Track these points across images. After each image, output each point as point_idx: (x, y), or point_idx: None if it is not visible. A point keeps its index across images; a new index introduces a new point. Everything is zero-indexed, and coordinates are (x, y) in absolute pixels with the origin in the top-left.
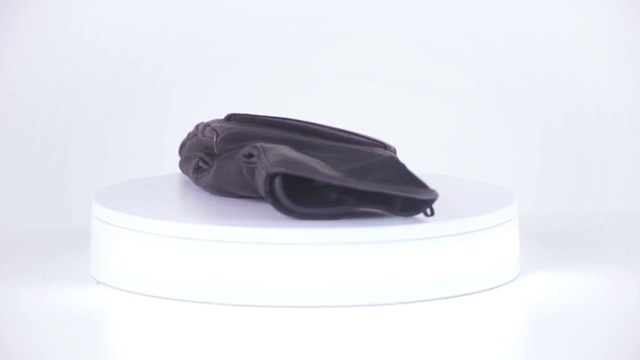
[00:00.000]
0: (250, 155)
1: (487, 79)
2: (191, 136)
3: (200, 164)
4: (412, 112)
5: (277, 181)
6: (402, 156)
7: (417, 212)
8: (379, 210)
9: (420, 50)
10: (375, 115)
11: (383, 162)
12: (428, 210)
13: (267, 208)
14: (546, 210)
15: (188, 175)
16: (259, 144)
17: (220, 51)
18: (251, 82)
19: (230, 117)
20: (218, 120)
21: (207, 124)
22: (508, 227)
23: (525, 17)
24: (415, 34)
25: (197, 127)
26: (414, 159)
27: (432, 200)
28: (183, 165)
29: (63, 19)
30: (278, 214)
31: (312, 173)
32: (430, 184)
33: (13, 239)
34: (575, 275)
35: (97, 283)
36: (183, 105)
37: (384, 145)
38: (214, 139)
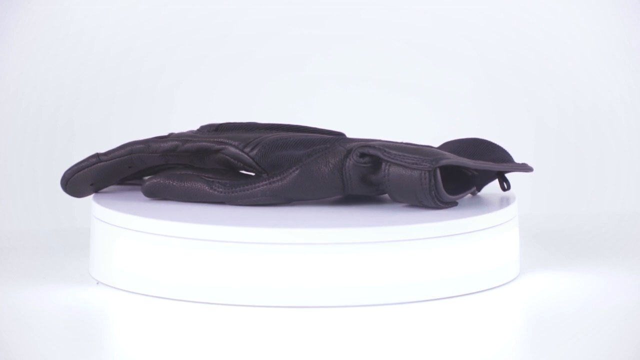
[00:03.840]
0: (363, 155)
1: (483, 78)
2: (120, 155)
3: (209, 180)
4: (410, 112)
5: (439, 175)
6: None
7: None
8: (472, 191)
9: (419, 50)
10: (374, 115)
11: (483, 144)
12: (505, 184)
13: (266, 208)
14: (546, 210)
15: (192, 195)
16: (370, 143)
17: (224, 51)
18: (254, 83)
19: (219, 128)
20: (192, 131)
21: (188, 139)
22: (508, 227)
23: (520, 15)
24: (415, 34)
25: (146, 143)
26: None
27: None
28: (171, 185)
29: (64, 18)
30: (276, 214)
31: (463, 161)
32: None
33: (13, 239)
34: (575, 275)
35: (97, 283)
36: (186, 105)
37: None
38: (245, 151)
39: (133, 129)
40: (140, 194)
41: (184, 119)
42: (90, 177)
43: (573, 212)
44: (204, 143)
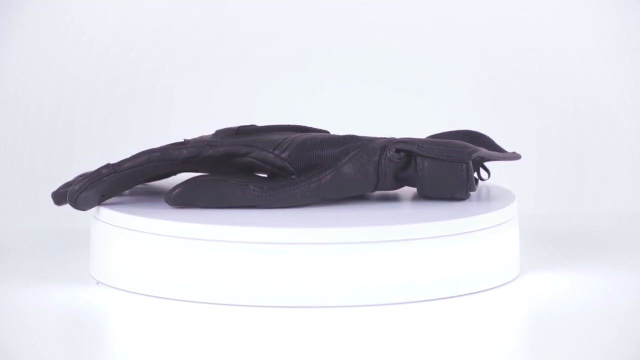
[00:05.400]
0: (399, 151)
1: (483, 78)
2: (136, 165)
3: (241, 183)
4: (410, 112)
5: (471, 166)
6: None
7: None
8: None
9: (419, 50)
10: (374, 116)
11: (477, 135)
12: (487, 173)
13: (267, 208)
14: (546, 210)
15: (225, 200)
16: (403, 139)
17: (224, 51)
18: (254, 83)
19: (238, 131)
20: (206, 136)
21: (210, 145)
22: (508, 227)
23: (520, 15)
24: (414, 35)
25: (163, 151)
26: None
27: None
28: (201, 192)
29: (64, 18)
30: (276, 214)
31: (489, 153)
32: None
33: (13, 239)
34: (575, 275)
35: (97, 283)
36: (186, 105)
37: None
38: (275, 154)
39: (133, 129)
40: (140, 194)
41: (184, 119)
42: (102, 189)
43: (573, 212)
44: (229, 148)
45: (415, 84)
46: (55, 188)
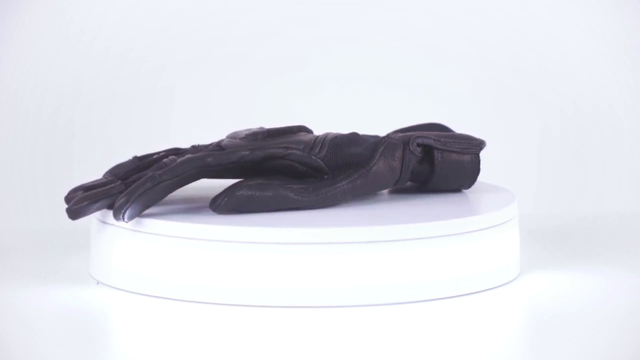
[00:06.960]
0: (418, 145)
1: (483, 78)
2: (180, 173)
3: (286, 186)
4: (410, 112)
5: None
6: None
7: None
8: None
9: (419, 50)
10: (374, 116)
11: (447, 128)
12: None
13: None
14: (546, 210)
15: (277, 203)
16: (423, 134)
17: (224, 51)
18: (254, 83)
19: (269, 134)
20: (233, 140)
21: (252, 148)
22: (508, 227)
23: (520, 15)
24: (414, 35)
25: (206, 157)
26: None
27: None
28: (255, 197)
29: (64, 18)
30: (276, 214)
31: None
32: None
33: (13, 239)
34: (575, 275)
35: (97, 283)
36: (186, 105)
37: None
38: (312, 154)
39: (133, 129)
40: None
41: (184, 119)
42: (147, 200)
43: (573, 212)
44: (267, 151)
45: (415, 84)
46: (57, 192)
